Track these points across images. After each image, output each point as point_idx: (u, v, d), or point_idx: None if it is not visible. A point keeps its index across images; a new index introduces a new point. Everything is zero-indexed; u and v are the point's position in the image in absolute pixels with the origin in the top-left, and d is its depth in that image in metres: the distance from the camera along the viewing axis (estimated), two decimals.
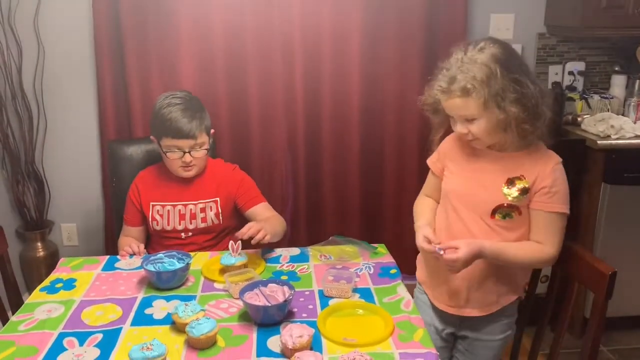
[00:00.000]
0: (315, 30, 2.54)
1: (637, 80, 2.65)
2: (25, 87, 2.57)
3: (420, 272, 1.65)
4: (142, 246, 1.84)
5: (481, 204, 1.43)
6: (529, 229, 1.42)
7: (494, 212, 1.41)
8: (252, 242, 1.64)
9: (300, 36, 2.53)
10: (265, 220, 1.81)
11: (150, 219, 1.91)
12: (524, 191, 1.37)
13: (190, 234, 1.92)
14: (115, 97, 2.58)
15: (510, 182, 1.39)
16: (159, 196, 1.92)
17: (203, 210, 1.90)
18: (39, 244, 2.70)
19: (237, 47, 2.53)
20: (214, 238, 1.95)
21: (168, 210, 1.91)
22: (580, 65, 2.79)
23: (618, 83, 2.74)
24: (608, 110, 2.65)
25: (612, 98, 2.71)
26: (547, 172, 1.37)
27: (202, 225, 1.91)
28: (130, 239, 1.94)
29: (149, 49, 2.50)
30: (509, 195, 1.38)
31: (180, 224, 1.91)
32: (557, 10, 2.67)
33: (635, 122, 2.48)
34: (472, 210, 1.45)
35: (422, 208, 1.60)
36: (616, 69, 2.78)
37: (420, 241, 1.43)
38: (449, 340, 1.60)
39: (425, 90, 1.43)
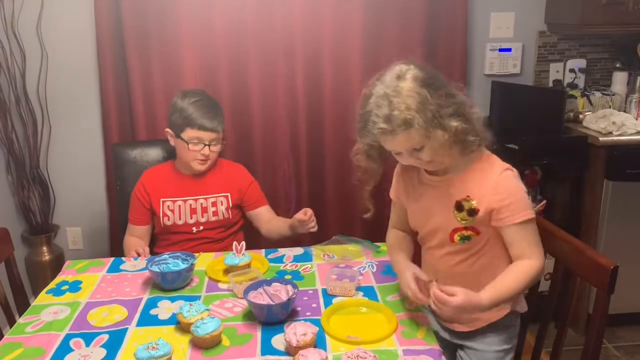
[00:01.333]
0: (316, 32, 2.55)
1: (639, 77, 2.65)
2: (29, 92, 2.59)
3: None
4: (147, 249, 1.87)
5: (438, 232, 1.40)
6: (493, 243, 1.38)
7: (452, 237, 1.38)
8: (306, 227, 1.77)
9: (301, 37, 2.55)
10: (268, 221, 1.95)
11: (161, 215, 1.95)
12: (472, 212, 1.33)
13: (201, 227, 1.96)
14: (119, 101, 2.60)
15: (459, 205, 1.34)
16: (169, 192, 1.96)
17: (214, 204, 1.96)
18: (45, 247, 2.72)
19: (238, 49, 2.54)
20: (224, 232, 2.00)
21: (179, 205, 1.95)
22: (581, 63, 2.80)
23: (619, 80, 2.74)
24: (610, 107, 2.66)
25: (613, 95, 2.71)
26: (492, 188, 1.31)
27: (214, 218, 1.97)
28: (136, 239, 1.95)
29: (151, 52, 2.51)
30: (462, 218, 1.34)
31: (191, 218, 1.95)
32: (558, 7, 2.68)
33: (636, 119, 2.48)
34: (433, 239, 1.43)
35: (393, 245, 1.53)
36: (617, 65, 2.78)
37: (405, 283, 1.35)
38: (449, 346, 1.57)
39: (358, 140, 1.35)
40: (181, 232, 1.96)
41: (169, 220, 1.95)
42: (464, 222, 1.34)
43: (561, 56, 2.81)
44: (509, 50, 2.77)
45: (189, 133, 1.89)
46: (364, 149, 1.36)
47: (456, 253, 1.41)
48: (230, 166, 2.07)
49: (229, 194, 1.98)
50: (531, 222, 1.33)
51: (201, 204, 1.95)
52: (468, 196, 1.33)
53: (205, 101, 1.93)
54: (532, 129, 2.53)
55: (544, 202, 2.60)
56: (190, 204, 1.95)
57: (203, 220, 1.96)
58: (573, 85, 2.78)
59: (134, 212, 1.99)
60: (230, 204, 1.98)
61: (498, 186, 1.31)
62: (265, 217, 2.02)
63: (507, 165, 1.36)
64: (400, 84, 1.24)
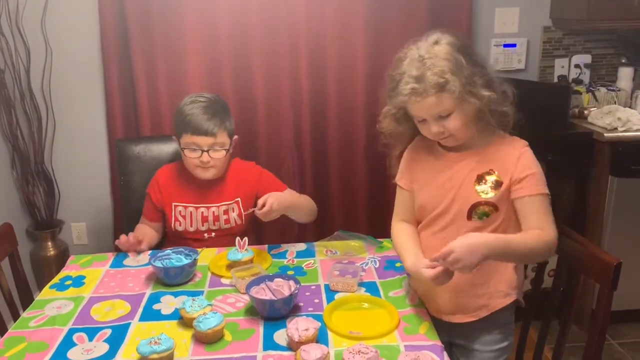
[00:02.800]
0: (319, 28, 2.55)
1: None
2: (34, 88, 2.60)
3: (411, 279, 1.56)
4: (137, 238, 1.78)
5: (456, 208, 1.38)
6: (508, 225, 1.36)
7: (470, 214, 1.36)
8: (261, 213, 1.71)
9: (305, 35, 2.55)
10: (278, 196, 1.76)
11: (172, 220, 1.89)
12: (497, 185, 1.33)
13: (213, 234, 1.91)
14: (123, 97, 2.60)
15: (480, 178, 1.34)
16: (181, 197, 1.90)
17: (226, 212, 1.89)
18: (50, 243, 2.73)
19: (242, 45, 2.54)
20: (234, 238, 1.84)
21: (191, 212, 1.88)
22: (586, 58, 2.78)
23: (625, 75, 2.72)
24: (615, 103, 2.64)
25: (618, 90, 2.70)
26: (516, 159, 1.33)
27: (226, 226, 1.90)
28: (146, 227, 1.93)
29: (156, 48, 2.52)
30: (483, 192, 1.34)
31: (203, 225, 1.89)
32: (563, 3, 2.66)
33: None
34: (448, 217, 1.39)
35: (403, 242, 1.45)
36: (623, 61, 2.76)
37: (427, 275, 1.27)
38: (446, 347, 1.54)
39: (387, 102, 1.35)
40: (192, 238, 1.91)
41: (180, 225, 1.89)
42: (486, 195, 1.34)
43: (566, 52, 2.80)
44: (513, 45, 2.76)
45: (185, 139, 1.80)
46: (391, 111, 1.36)
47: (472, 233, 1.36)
48: (241, 167, 1.96)
49: (239, 199, 1.89)
50: (547, 198, 1.34)
51: (213, 212, 1.88)
52: (491, 169, 1.34)
53: (207, 104, 1.82)
54: (537, 125, 2.51)
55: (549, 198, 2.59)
56: (202, 212, 1.88)
57: (215, 227, 1.90)
58: (578, 81, 2.76)
59: (147, 208, 1.95)
60: (242, 210, 1.89)
61: (521, 158, 1.33)
62: None
63: (526, 142, 1.38)
64: (435, 48, 1.26)
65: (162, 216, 1.94)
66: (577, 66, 2.77)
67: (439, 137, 1.35)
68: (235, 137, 1.90)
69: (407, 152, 1.50)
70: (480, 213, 1.35)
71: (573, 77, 2.78)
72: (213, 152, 1.81)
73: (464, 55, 1.25)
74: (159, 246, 1.94)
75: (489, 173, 1.34)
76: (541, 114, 2.54)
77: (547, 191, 1.34)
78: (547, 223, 1.33)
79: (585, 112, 2.57)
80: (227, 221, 1.89)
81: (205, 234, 1.91)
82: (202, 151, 1.79)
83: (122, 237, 1.76)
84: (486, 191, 1.34)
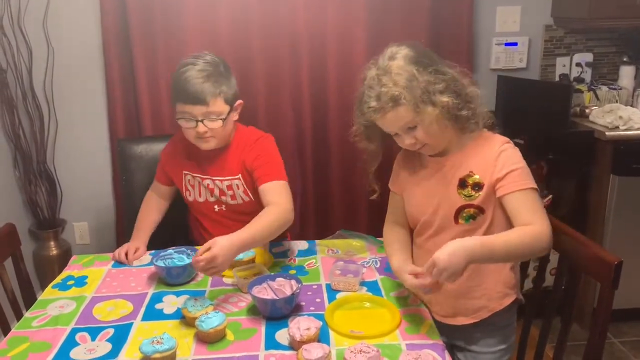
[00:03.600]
0: (320, 28, 2.55)
1: None
2: (36, 88, 2.60)
3: None
4: (135, 255, 1.73)
5: (442, 213, 1.39)
6: (499, 225, 1.36)
7: (456, 218, 1.37)
8: (200, 266, 1.42)
9: (305, 34, 2.55)
10: (248, 225, 1.52)
11: (183, 189, 1.83)
12: (478, 187, 1.33)
13: (223, 207, 1.81)
14: (124, 96, 2.61)
15: (462, 181, 1.35)
16: (190, 166, 1.80)
17: (230, 187, 1.77)
18: (52, 242, 2.74)
19: (243, 44, 2.55)
20: (249, 216, 1.62)
21: (198, 182, 1.79)
22: (588, 57, 2.78)
23: (626, 74, 2.72)
24: (616, 102, 2.64)
25: (620, 89, 2.69)
26: (494, 159, 1.32)
27: (233, 202, 1.79)
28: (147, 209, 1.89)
29: (157, 48, 2.52)
30: (466, 195, 1.34)
31: (212, 196, 1.79)
32: (564, 1, 2.66)
33: None
34: (437, 223, 1.41)
35: (392, 243, 1.49)
36: (624, 59, 2.76)
37: (409, 282, 1.31)
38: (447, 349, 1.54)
39: (355, 121, 1.38)
40: (204, 211, 1.83)
41: (190, 195, 1.82)
42: (468, 198, 1.34)
43: (568, 50, 2.80)
44: (515, 44, 2.76)
45: (177, 107, 1.66)
46: (360, 130, 1.38)
47: (460, 237, 1.34)
48: (247, 139, 1.78)
49: (240, 176, 1.76)
50: (534, 192, 1.32)
51: (217, 185, 1.77)
52: (471, 171, 1.34)
53: (201, 67, 1.64)
54: (538, 123, 2.52)
55: (550, 197, 2.59)
56: (208, 184, 1.78)
57: (223, 200, 1.79)
58: (579, 80, 2.76)
59: (158, 170, 1.89)
60: (246, 187, 1.76)
61: (499, 157, 1.32)
62: (265, 198, 1.67)
63: (507, 139, 1.37)
64: (390, 63, 1.28)
65: (169, 181, 1.88)
66: (578, 65, 2.77)
67: (415, 148, 1.37)
68: (239, 101, 1.76)
69: (398, 158, 1.52)
70: (465, 216, 1.36)
71: (574, 75, 2.78)
72: (208, 121, 1.65)
73: (419, 66, 1.27)
74: (185, 219, 1.90)
75: (469, 175, 1.35)
76: (542, 113, 2.55)
77: (532, 185, 1.32)
78: (536, 217, 1.29)
79: (587, 110, 2.57)
80: (233, 197, 1.78)
81: (215, 206, 1.81)
82: (197, 121, 1.65)
83: (117, 253, 1.74)
84: (469, 194, 1.34)
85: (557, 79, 2.80)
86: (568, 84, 2.70)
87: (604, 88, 2.69)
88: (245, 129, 1.84)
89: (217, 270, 1.43)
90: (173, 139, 1.89)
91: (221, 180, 1.77)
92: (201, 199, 1.83)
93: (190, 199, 1.84)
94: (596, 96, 2.68)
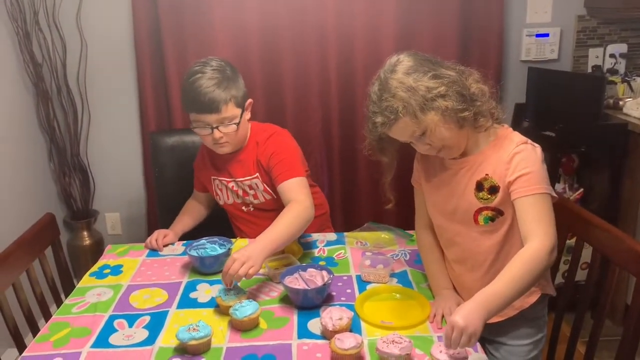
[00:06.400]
0: (349, 23, 2.56)
1: None
2: (70, 82, 2.66)
3: None
4: (165, 239, 1.80)
5: (461, 216, 1.39)
6: (516, 228, 1.33)
7: (476, 219, 1.37)
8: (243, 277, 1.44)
9: (334, 29, 2.55)
10: (269, 228, 1.54)
11: (214, 194, 1.88)
12: (494, 190, 1.33)
13: (251, 207, 1.85)
14: (155, 90, 2.65)
15: (479, 185, 1.34)
16: (216, 171, 1.86)
17: (251, 187, 1.81)
18: (85, 232, 2.81)
19: (272, 39, 2.56)
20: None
21: (225, 185, 1.84)
22: (622, 48, 2.72)
23: None
24: None
25: None
26: (507, 162, 1.30)
27: (256, 202, 1.83)
28: (188, 207, 1.96)
29: (187, 42, 2.55)
30: (483, 198, 1.34)
31: (238, 198, 1.84)
32: None
33: None
34: (457, 224, 1.41)
35: (429, 266, 1.52)
36: None
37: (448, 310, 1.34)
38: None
39: (366, 135, 1.39)
40: (236, 212, 1.88)
41: (220, 199, 1.87)
42: (485, 201, 1.34)
43: (601, 41, 2.74)
44: (546, 35, 2.71)
45: (191, 117, 1.71)
46: (372, 144, 1.40)
47: (477, 236, 1.39)
48: (261, 137, 1.80)
49: (258, 175, 1.79)
50: (545, 198, 1.28)
51: (240, 187, 1.81)
52: (487, 174, 1.34)
53: (209, 76, 1.66)
54: (570, 116, 2.48)
55: (581, 190, 2.55)
56: (232, 186, 1.82)
57: (248, 201, 1.84)
58: (613, 71, 2.70)
59: (195, 177, 1.95)
60: (266, 186, 1.80)
61: (513, 159, 1.31)
62: (284, 197, 1.69)
63: (526, 139, 1.34)
64: (389, 76, 1.30)
65: (204, 187, 1.94)
66: (612, 56, 2.71)
67: (433, 153, 1.37)
68: (249, 101, 1.78)
69: (417, 155, 1.51)
70: (485, 218, 1.36)
71: (608, 67, 2.72)
72: (223, 127, 1.69)
73: (418, 74, 1.27)
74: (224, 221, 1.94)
75: (485, 179, 1.34)
76: (575, 105, 2.50)
77: (543, 190, 1.28)
78: (539, 227, 1.25)
79: (621, 102, 2.52)
80: (256, 196, 1.82)
81: (243, 207, 1.86)
82: (212, 128, 1.69)
83: (148, 240, 1.81)
84: (485, 197, 1.34)
85: (589, 70, 2.74)
86: (601, 75, 2.65)
87: (639, 79, 2.63)
88: (260, 127, 1.86)
89: (252, 265, 1.43)
90: (200, 148, 1.95)
91: (242, 181, 1.81)
92: (230, 202, 1.87)
93: (221, 202, 1.89)
94: (630, 88, 2.62)
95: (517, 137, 1.36)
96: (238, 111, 1.72)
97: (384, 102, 1.29)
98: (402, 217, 2.69)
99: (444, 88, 1.27)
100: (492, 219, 1.36)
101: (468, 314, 1.14)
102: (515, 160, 1.30)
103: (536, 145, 1.35)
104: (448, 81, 1.28)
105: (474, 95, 1.30)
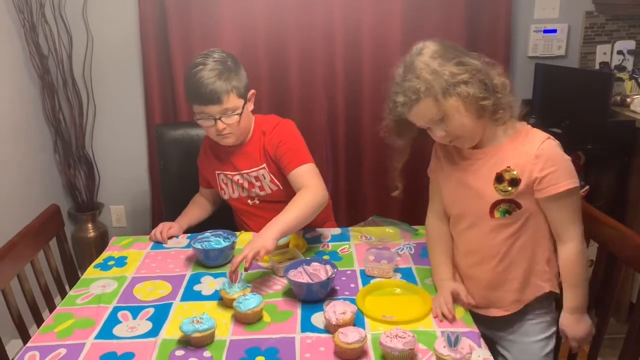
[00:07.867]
0: (355, 15, 2.54)
1: None
2: (75, 74, 2.67)
3: None
4: (169, 232, 1.81)
5: (477, 207, 1.39)
6: (534, 221, 1.36)
7: (492, 211, 1.36)
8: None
9: (340, 23, 2.54)
10: (285, 210, 1.57)
11: (218, 188, 1.88)
12: (514, 182, 1.32)
13: (257, 200, 1.85)
14: (161, 83, 2.65)
15: (499, 177, 1.34)
16: (220, 164, 1.86)
17: (257, 179, 1.80)
18: (90, 224, 2.82)
19: (279, 32, 2.56)
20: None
21: (229, 179, 1.84)
22: (630, 44, 2.69)
23: None
24: None
25: None
26: (533, 157, 1.30)
27: (262, 193, 1.82)
28: (195, 202, 1.97)
29: (193, 36, 2.55)
30: (502, 190, 1.34)
31: (243, 192, 1.84)
32: None
33: None
34: (473, 215, 1.41)
35: (437, 251, 1.52)
36: None
37: (442, 302, 1.36)
38: (486, 342, 1.53)
39: (385, 116, 1.40)
40: (241, 206, 1.88)
41: (224, 194, 1.87)
42: (504, 193, 1.34)
43: (609, 37, 2.72)
44: (554, 31, 2.69)
45: (194, 109, 1.71)
46: (390, 125, 1.40)
47: (492, 229, 1.38)
48: (266, 128, 1.80)
49: (265, 165, 1.78)
50: (572, 192, 1.31)
51: (246, 179, 1.81)
52: (509, 167, 1.33)
53: (210, 67, 1.67)
54: (577, 112, 2.46)
55: (587, 188, 2.54)
56: (238, 179, 1.82)
57: (254, 194, 1.83)
58: (621, 68, 2.68)
59: (199, 174, 1.96)
60: (273, 177, 1.79)
61: (540, 155, 1.31)
62: (295, 184, 1.70)
63: (549, 135, 1.35)
64: (415, 59, 1.31)
65: (209, 183, 1.94)
66: (620, 52, 2.69)
67: (447, 141, 1.37)
68: (251, 92, 1.79)
69: (436, 145, 1.51)
70: (502, 210, 1.36)
71: (616, 63, 2.69)
72: (226, 118, 1.70)
73: (443, 59, 1.29)
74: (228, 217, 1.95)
75: (506, 170, 1.34)
76: (581, 102, 2.49)
77: (575, 183, 1.31)
78: (571, 229, 1.35)
79: (628, 100, 2.50)
80: (262, 188, 1.81)
81: (249, 200, 1.86)
82: (215, 119, 1.70)
83: (153, 233, 1.82)
84: (505, 189, 1.34)
85: (597, 67, 2.72)
86: (609, 72, 2.63)
87: None
88: (264, 118, 1.86)
89: (262, 246, 1.45)
90: (203, 143, 1.95)
91: (248, 173, 1.81)
92: (235, 196, 1.87)
93: (226, 197, 1.89)
94: (638, 85, 2.60)
95: (540, 133, 1.36)
96: (240, 102, 1.72)
97: (407, 82, 1.30)
98: (406, 211, 2.71)
99: (468, 75, 1.28)
100: (508, 212, 1.35)
101: (573, 323, 1.40)
102: (543, 156, 1.30)
103: (555, 140, 1.36)
104: (472, 69, 1.29)
105: (496, 86, 1.31)
